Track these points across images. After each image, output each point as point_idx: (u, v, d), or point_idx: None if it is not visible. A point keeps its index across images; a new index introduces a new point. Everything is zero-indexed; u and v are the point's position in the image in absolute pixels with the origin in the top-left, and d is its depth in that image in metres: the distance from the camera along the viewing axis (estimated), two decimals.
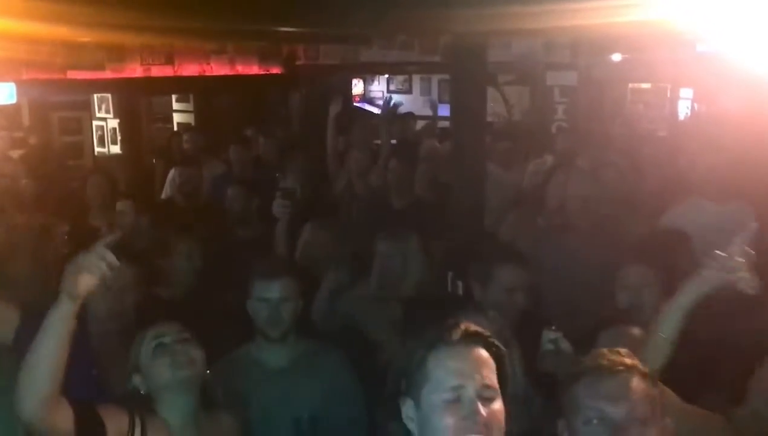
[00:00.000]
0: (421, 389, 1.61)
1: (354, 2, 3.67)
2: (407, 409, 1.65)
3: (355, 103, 11.32)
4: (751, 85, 5.41)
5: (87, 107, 8.80)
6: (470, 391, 1.57)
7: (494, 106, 7.79)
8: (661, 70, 7.79)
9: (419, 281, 3.47)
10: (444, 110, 9.73)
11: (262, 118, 8.75)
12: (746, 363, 2.40)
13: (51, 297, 3.06)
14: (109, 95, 8.60)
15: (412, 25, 5.48)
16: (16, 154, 7.23)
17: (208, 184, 6.06)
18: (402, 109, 8.87)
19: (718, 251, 1.98)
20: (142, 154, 8.75)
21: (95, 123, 8.93)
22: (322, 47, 9.15)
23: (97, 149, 8.90)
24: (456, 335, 1.63)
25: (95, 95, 8.65)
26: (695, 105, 8.38)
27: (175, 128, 9.66)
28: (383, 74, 11.54)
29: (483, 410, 1.55)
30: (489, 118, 5.60)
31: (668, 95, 8.64)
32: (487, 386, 1.58)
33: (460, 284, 3.51)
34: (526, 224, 4.29)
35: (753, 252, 1.98)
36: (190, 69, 8.08)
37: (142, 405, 2.24)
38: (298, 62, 9.25)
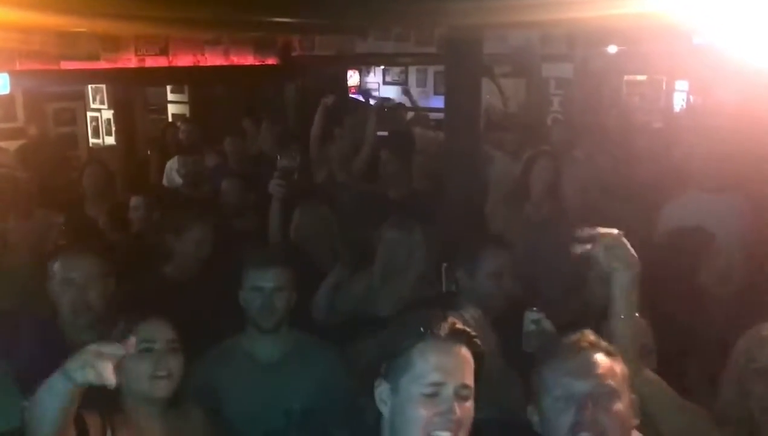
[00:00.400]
0: (400, 376, 1.64)
1: None
2: (382, 392, 1.68)
3: (351, 95, 11.30)
4: (747, 78, 5.42)
5: (81, 98, 8.76)
6: (449, 389, 1.60)
7: (490, 98, 7.78)
8: (657, 63, 7.78)
9: (421, 273, 3.47)
10: (438, 102, 9.72)
11: (257, 109, 8.72)
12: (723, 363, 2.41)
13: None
14: (103, 86, 8.57)
15: (408, 16, 5.47)
16: (10, 145, 7.19)
17: None
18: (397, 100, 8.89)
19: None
20: (137, 145, 8.72)
21: (89, 114, 8.90)
22: (318, 38, 9.12)
23: (92, 140, 8.87)
24: (444, 330, 1.66)
25: (89, 86, 8.61)
26: (691, 97, 8.39)
27: (170, 119, 9.63)
28: (379, 66, 11.51)
29: (458, 409, 1.59)
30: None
31: (664, 87, 8.64)
32: (465, 386, 1.62)
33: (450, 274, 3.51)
34: (516, 213, 4.30)
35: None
36: (184, 60, 8.06)
37: (109, 402, 2.13)
38: (293, 53, 9.23)
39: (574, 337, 1.82)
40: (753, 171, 4.06)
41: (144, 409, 2.23)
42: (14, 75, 6.80)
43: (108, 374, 1.69)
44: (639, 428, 1.83)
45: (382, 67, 11.53)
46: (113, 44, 7.32)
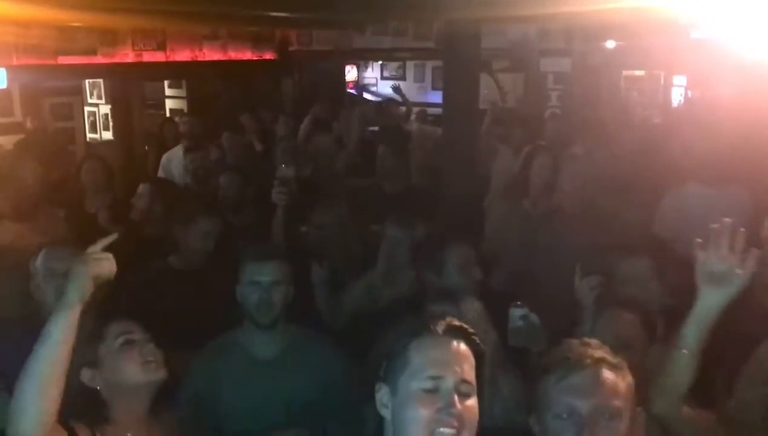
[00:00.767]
0: (399, 375, 1.60)
1: None
2: (382, 395, 1.64)
3: (348, 90, 11.30)
4: (745, 72, 5.42)
5: (78, 93, 8.75)
6: (449, 383, 1.56)
7: (488, 93, 7.77)
8: (655, 57, 7.79)
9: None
10: (436, 97, 9.71)
11: (256, 104, 8.71)
12: (738, 353, 2.40)
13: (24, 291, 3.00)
14: (100, 81, 8.54)
15: (406, 10, 5.46)
16: (8, 140, 7.18)
17: None
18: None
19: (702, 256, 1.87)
20: (134, 140, 8.70)
21: (87, 109, 8.89)
22: (315, 33, 9.11)
23: (89, 135, 8.85)
24: (440, 326, 1.62)
25: (87, 81, 8.59)
26: (689, 92, 8.39)
27: (168, 114, 9.61)
28: (377, 60, 11.50)
29: (459, 404, 1.54)
30: (482, 106, 5.62)
31: (662, 82, 8.64)
32: (466, 381, 1.57)
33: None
34: (515, 208, 4.30)
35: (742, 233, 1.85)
36: (182, 54, 8.04)
37: (97, 413, 2.12)
38: (291, 48, 9.21)
39: (579, 349, 1.77)
40: (751, 164, 4.06)
41: (130, 414, 2.18)
42: (11, 70, 6.78)
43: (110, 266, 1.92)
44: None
45: (380, 62, 11.52)
46: (110, 39, 7.30)
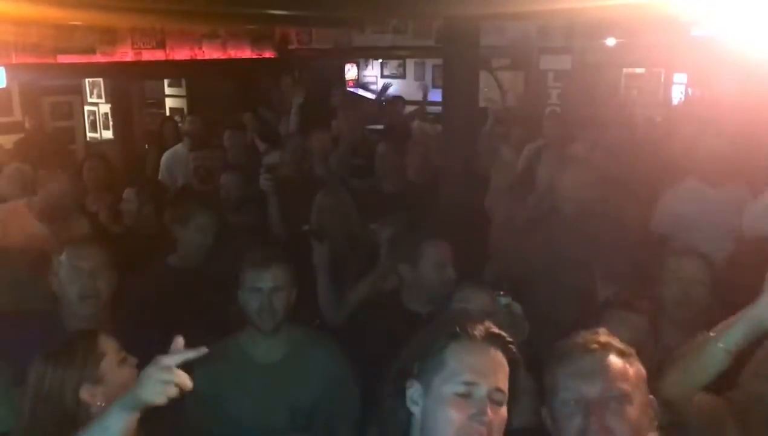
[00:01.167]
0: (433, 376, 1.61)
1: None
2: (414, 392, 1.64)
3: (348, 88, 11.28)
4: (745, 70, 5.41)
5: (78, 92, 8.74)
6: (483, 390, 1.56)
7: (488, 92, 7.77)
8: (656, 55, 7.77)
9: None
10: (436, 95, 9.71)
11: (255, 102, 8.70)
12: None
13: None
14: (100, 80, 8.54)
15: (406, 8, 5.45)
16: (8, 139, 7.18)
17: None
18: (394, 93, 8.88)
19: None
20: (134, 139, 8.70)
21: (87, 108, 8.88)
22: (315, 31, 9.10)
23: (89, 134, 8.85)
24: (479, 331, 1.62)
25: (86, 80, 8.58)
26: (689, 90, 8.38)
27: (167, 113, 9.61)
28: (376, 59, 11.48)
29: (490, 412, 1.54)
30: (482, 104, 5.62)
31: (662, 80, 8.63)
32: (499, 390, 1.58)
33: None
34: (519, 206, 4.29)
35: None
36: (182, 53, 8.02)
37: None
38: (290, 46, 9.20)
39: (586, 336, 1.77)
40: (752, 162, 4.05)
41: (130, 430, 2.11)
42: (11, 69, 6.77)
43: (185, 380, 1.73)
44: None
45: (380, 60, 11.51)
46: (110, 38, 7.29)
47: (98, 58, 7.25)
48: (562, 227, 3.67)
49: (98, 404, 2.08)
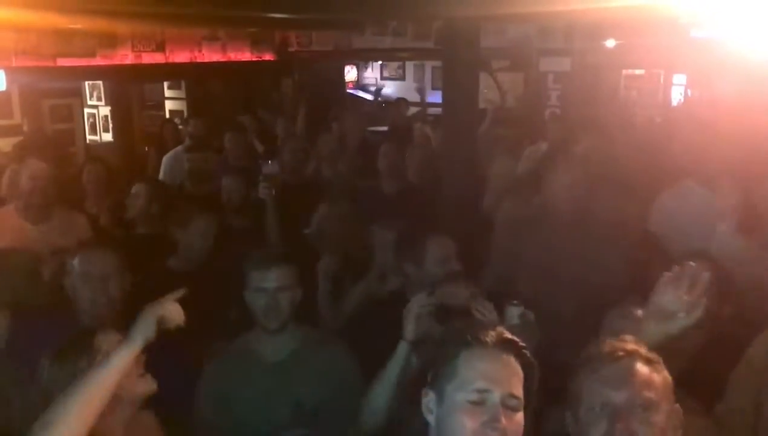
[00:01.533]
0: (446, 384, 1.61)
1: None
2: (428, 401, 1.66)
3: (348, 90, 11.29)
4: (745, 71, 5.42)
5: (78, 95, 8.74)
6: (496, 396, 1.56)
7: (487, 93, 7.76)
8: (655, 56, 7.78)
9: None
10: (435, 97, 9.72)
11: (255, 104, 8.71)
12: (726, 359, 2.38)
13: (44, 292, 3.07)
14: (100, 83, 8.54)
15: (405, 10, 5.45)
16: (7, 142, 7.18)
17: None
18: (395, 95, 8.89)
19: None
20: (134, 141, 8.70)
21: (87, 110, 8.88)
22: (315, 34, 9.11)
23: (89, 137, 8.85)
24: (491, 338, 1.63)
25: (86, 83, 8.59)
26: (689, 91, 8.38)
27: (167, 115, 9.61)
28: (376, 61, 11.50)
29: (504, 419, 1.55)
30: (482, 105, 5.61)
31: (662, 81, 8.64)
32: (513, 396, 1.58)
33: None
34: (521, 209, 4.28)
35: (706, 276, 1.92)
36: (181, 56, 8.04)
37: None
38: (290, 49, 9.21)
39: (612, 344, 1.77)
40: (750, 164, 4.05)
41: (121, 424, 2.16)
42: (10, 72, 6.78)
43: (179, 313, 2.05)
44: None
45: (380, 62, 11.52)
46: (110, 41, 7.30)
47: (98, 60, 7.26)
48: (562, 227, 3.67)
49: None
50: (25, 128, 7.71)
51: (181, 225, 3.72)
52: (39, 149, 6.52)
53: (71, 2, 4.33)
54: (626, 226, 3.77)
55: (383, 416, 2.55)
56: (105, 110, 8.73)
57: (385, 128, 8.33)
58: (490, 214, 4.49)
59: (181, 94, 9.79)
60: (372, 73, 12.04)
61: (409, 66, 11.25)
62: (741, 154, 3.91)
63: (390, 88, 11.36)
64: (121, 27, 7.05)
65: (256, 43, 8.74)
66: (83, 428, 1.79)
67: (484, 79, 5.84)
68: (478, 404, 1.56)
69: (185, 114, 9.22)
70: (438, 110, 7.51)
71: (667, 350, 1.83)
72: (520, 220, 4.02)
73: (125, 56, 7.50)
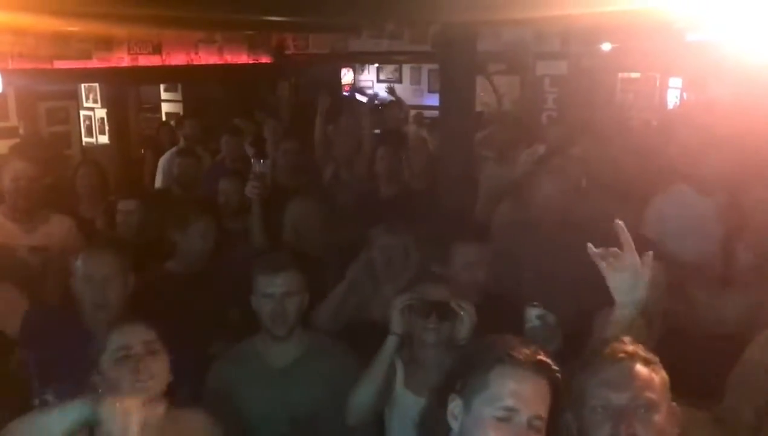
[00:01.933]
0: (475, 396, 1.64)
1: None
2: (454, 407, 1.68)
3: (344, 93, 11.30)
4: (740, 74, 5.43)
5: (74, 97, 8.72)
6: (523, 417, 1.59)
7: (484, 96, 7.78)
8: (651, 60, 7.80)
9: (417, 273, 3.45)
10: (432, 100, 9.72)
11: (252, 107, 8.71)
12: (725, 359, 2.40)
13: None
14: (96, 85, 8.53)
15: (402, 14, 5.46)
16: (3, 144, 7.17)
17: None
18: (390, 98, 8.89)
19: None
20: (131, 144, 8.70)
21: (83, 113, 8.87)
22: (312, 37, 9.10)
23: (85, 139, 8.83)
24: (525, 357, 1.64)
25: (83, 85, 8.57)
26: (684, 94, 8.41)
27: (164, 118, 9.61)
28: (373, 64, 11.51)
29: None
30: (478, 108, 5.62)
31: (657, 84, 8.66)
32: (539, 417, 1.60)
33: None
34: (518, 214, 4.28)
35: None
36: (178, 58, 8.02)
37: None
38: (287, 51, 9.21)
39: (612, 345, 1.80)
40: (746, 168, 4.06)
41: None
42: (7, 74, 6.76)
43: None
44: None
45: (376, 65, 11.53)
46: (106, 43, 7.28)
47: (94, 63, 7.24)
48: (558, 230, 3.68)
49: (99, 391, 2.18)
50: (21, 131, 7.69)
51: (180, 228, 3.70)
52: (34, 152, 6.54)
53: (68, 5, 4.33)
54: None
55: (369, 410, 2.60)
56: (101, 113, 8.71)
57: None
58: (484, 219, 4.49)
59: (178, 96, 9.79)
60: (369, 76, 12.06)
61: (406, 69, 11.27)
62: (736, 157, 3.93)
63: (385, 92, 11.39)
64: (118, 30, 7.05)
65: (252, 46, 8.73)
66: None
67: (480, 82, 5.86)
68: (505, 420, 1.59)
69: (185, 116, 9.22)
70: (435, 113, 7.53)
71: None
72: (518, 222, 4.03)
73: (122, 59, 7.48)
